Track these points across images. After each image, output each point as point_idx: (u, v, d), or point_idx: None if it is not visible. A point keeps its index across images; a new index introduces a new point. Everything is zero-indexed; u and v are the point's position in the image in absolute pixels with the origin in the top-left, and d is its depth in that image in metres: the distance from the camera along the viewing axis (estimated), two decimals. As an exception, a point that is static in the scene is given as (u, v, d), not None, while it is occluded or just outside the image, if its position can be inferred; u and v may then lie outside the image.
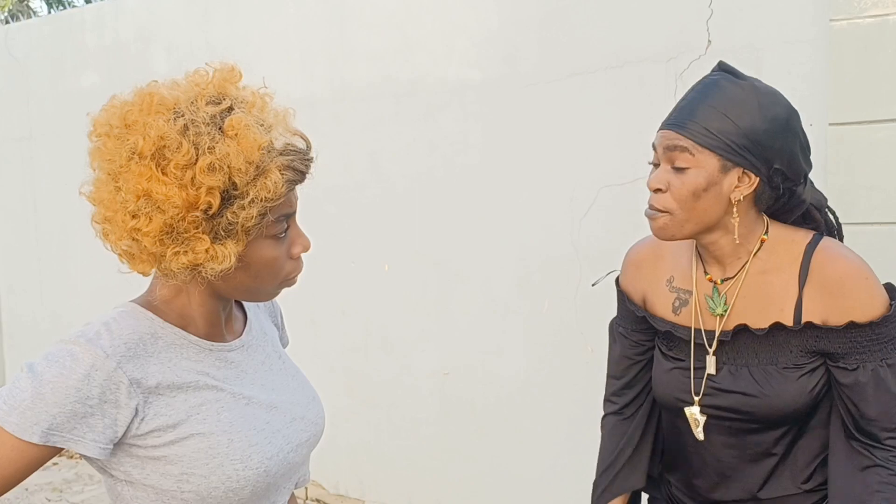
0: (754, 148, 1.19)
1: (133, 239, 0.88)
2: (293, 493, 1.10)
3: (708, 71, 2.14)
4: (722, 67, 1.25)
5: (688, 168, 1.19)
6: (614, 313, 1.68)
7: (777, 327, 1.24)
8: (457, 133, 2.64)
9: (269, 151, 0.89)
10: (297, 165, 0.93)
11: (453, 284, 2.72)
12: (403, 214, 2.81)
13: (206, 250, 0.88)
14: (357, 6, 2.83)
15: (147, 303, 0.97)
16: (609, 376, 1.52)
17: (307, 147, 0.96)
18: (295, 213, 0.98)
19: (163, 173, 0.85)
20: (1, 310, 4.40)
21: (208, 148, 0.86)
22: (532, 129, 2.50)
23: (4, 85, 4.13)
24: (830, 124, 1.97)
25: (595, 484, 1.48)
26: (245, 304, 1.11)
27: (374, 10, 2.80)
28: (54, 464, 3.65)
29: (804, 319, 1.22)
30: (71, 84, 3.79)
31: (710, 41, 2.18)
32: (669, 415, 1.41)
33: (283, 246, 0.96)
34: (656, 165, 1.26)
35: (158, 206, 0.86)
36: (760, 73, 2.09)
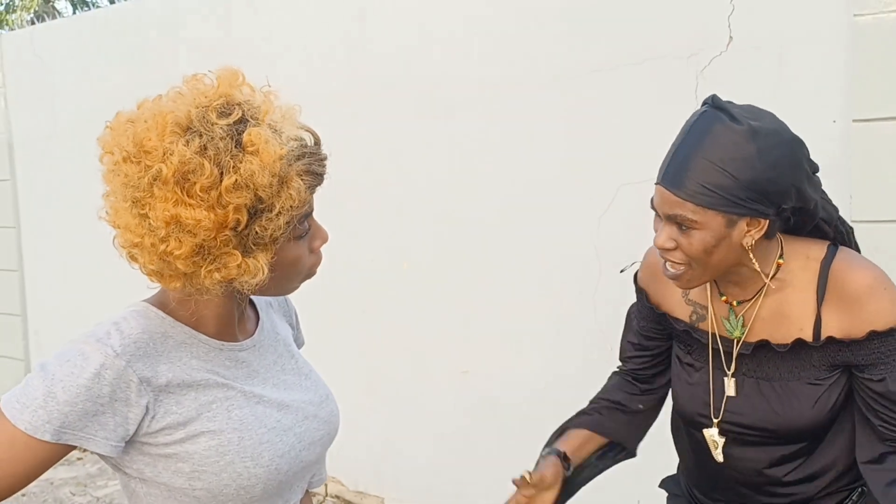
0: (759, 197, 1.14)
1: (164, 261, 0.88)
2: (308, 491, 1.10)
3: (729, 68, 2.13)
4: (715, 104, 1.17)
5: (693, 228, 1.15)
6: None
7: (799, 343, 1.22)
8: (477, 131, 2.64)
9: (286, 159, 0.89)
10: (315, 168, 0.93)
11: (473, 283, 2.72)
12: (423, 212, 2.81)
13: (238, 265, 0.88)
14: (378, 3, 2.83)
15: (159, 302, 0.98)
16: (619, 358, 1.54)
17: (316, 143, 0.95)
18: (313, 209, 0.99)
19: (188, 196, 0.84)
20: (27, 306, 4.47)
21: (232, 167, 0.85)
22: (552, 127, 2.49)
23: (30, 85, 4.20)
24: (854, 120, 1.95)
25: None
26: (257, 304, 1.11)
27: (394, 6, 2.80)
28: (78, 458, 3.71)
29: (824, 335, 1.20)
30: (96, 84, 3.83)
31: (731, 37, 2.15)
32: (688, 429, 1.39)
33: (305, 243, 0.97)
34: (658, 215, 1.21)
35: (189, 231, 0.85)
36: (783, 69, 2.06)
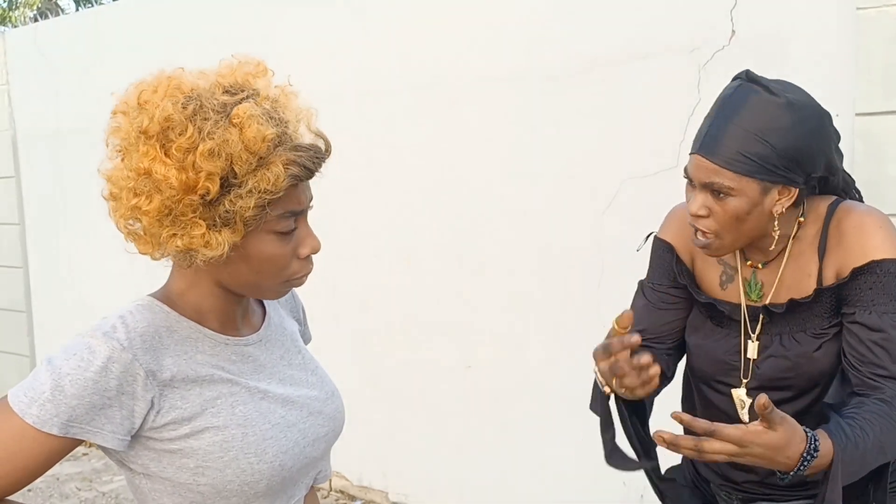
0: (793, 166, 1.19)
1: (135, 218, 0.89)
2: (313, 487, 1.11)
3: (732, 62, 2.12)
4: (749, 77, 1.23)
5: (729, 196, 1.20)
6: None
7: (798, 302, 1.26)
8: (479, 126, 2.64)
9: (276, 145, 0.89)
10: (305, 162, 0.92)
11: (476, 277, 2.72)
12: (426, 207, 2.81)
13: (202, 235, 0.88)
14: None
15: (164, 296, 0.98)
16: None
17: (325, 148, 0.96)
18: (305, 212, 0.97)
19: (165, 154, 0.87)
20: (32, 302, 4.49)
21: (208, 133, 0.86)
22: (554, 122, 2.49)
23: (34, 82, 4.21)
24: (857, 114, 1.95)
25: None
26: (263, 299, 1.11)
27: (395, 2, 2.80)
28: (84, 454, 3.73)
29: (825, 283, 1.25)
30: (99, 80, 3.84)
31: (734, 31, 2.15)
32: (704, 388, 1.41)
33: (288, 244, 0.96)
34: (690, 185, 1.26)
35: (157, 186, 0.87)
36: (786, 62, 2.06)
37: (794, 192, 1.21)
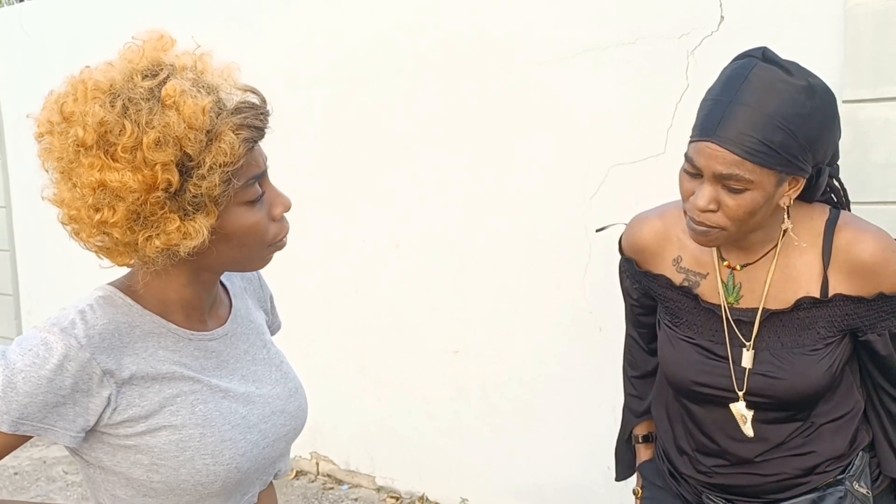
0: (808, 156, 1.11)
1: (103, 233, 0.86)
2: (271, 483, 1.08)
3: (720, 48, 2.11)
4: (766, 57, 1.13)
5: (746, 190, 1.10)
6: (625, 338, 1.64)
7: (804, 303, 1.20)
8: (468, 110, 2.63)
9: (217, 113, 0.86)
10: (252, 122, 0.88)
11: (465, 263, 2.72)
12: (415, 193, 2.80)
13: (178, 229, 0.85)
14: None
15: (127, 286, 0.95)
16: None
17: (262, 101, 0.92)
18: (265, 172, 0.95)
19: (112, 160, 0.82)
20: (19, 286, 4.46)
21: (147, 124, 0.82)
22: (543, 107, 2.47)
23: (20, 63, 4.15)
24: (844, 101, 1.94)
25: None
26: (231, 290, 1.08)
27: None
28: (72, 437, 3.71)
29: (831, 294, 1.20)
30: (87, 62, 3.78)
31: (722, 17, 2.13)
32: (688, 405, 1.35)
33: (261, 210, 0.93)
34: (692, 174, 1.15)
35: (117, 195, 0.83)
36: (774, 49, 2.04)
37: (802, 182, 1.14)
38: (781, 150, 1.07)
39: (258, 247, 0.95)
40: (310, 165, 2.94)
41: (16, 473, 3.39)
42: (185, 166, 0.85)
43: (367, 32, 2.82)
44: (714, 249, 1.29)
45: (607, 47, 2.33)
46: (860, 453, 1.30)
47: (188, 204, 0.86)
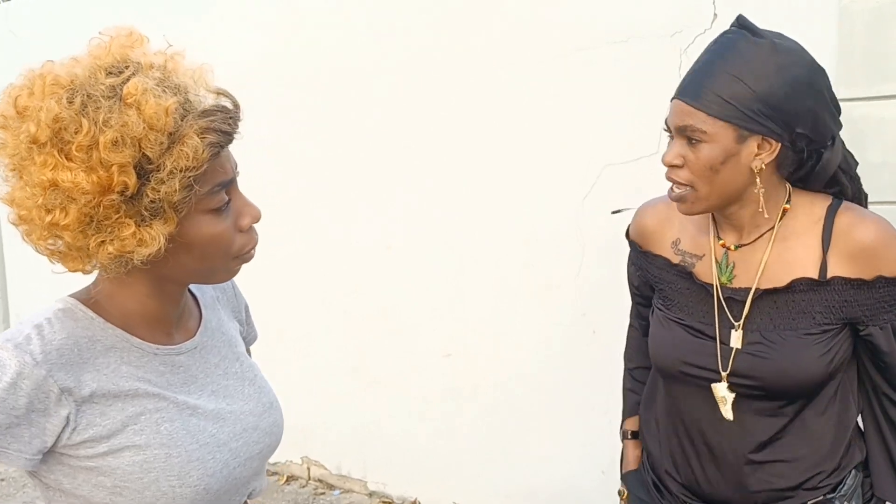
0: (773, 113, 1.11)
1: (55, 236, 0.81)
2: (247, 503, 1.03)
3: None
4: (741, 24, 1.16)
5: (702, 141, 1.13)
6: (617, 295, 1.64)
7: (801, 284, 1.18)
8: (461, 111, 2.60)
9: (183, 115, 0.81)
10: (220, 125, 0.83)
11: (458, 265, 2.69)
12: (407, 194, 2.77)
13: (133, 235, 0.80)
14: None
15: (88, 298, 0.90)
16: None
17: (234, 106, 0.87)
18: (234, 181, 0.89)
19: (66, 159, 0.78)
20: (7, 290, 4.41)
21: (104, 122, 0.78)
22: (535, 106, 2.45)
23: (5, 62, 4.10)
24: (839, 100, 1.92)
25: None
26: (201, 300, 1.03)
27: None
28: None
29: (830, 276, 1.18)
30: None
31: (715, 14, 2.11)
32: (672, 386, 1.34)
33: (226, 219, 0.88)
34: (670, 135, 1.21)
35: (69, 196, 0.78)
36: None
37: (776, 147, 1.13)
38: (735, 102, 1.10)
39: (222, 258, 0.90)
40: (304, 166, 2.91)
41: (2, 479, 3.35)
42: (144, 169, 0.80)
43: (359, 29, 2.79)
44: (711, 231, 1.28)
45: (599, 46, 2.30)
46: (853, 472, 1.26)
47: (145, 209, 0.81)
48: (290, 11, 2.94)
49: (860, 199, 1.29)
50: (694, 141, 1.14)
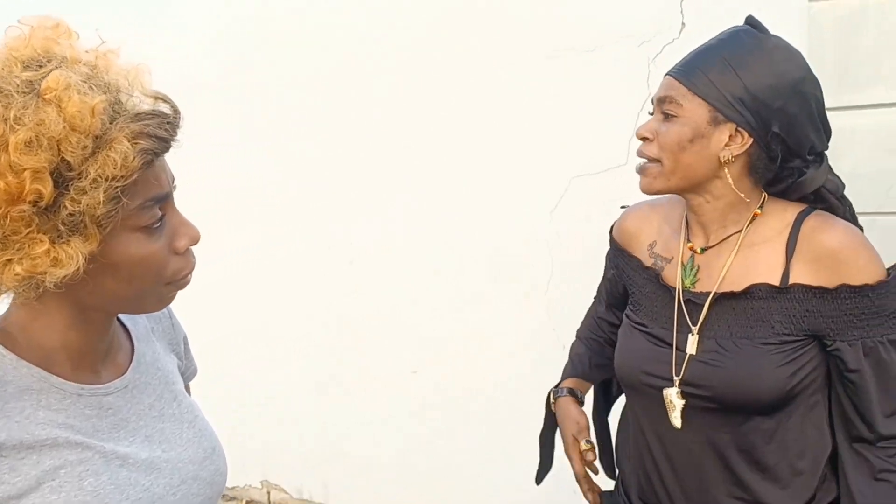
0: (751, 103, 1.10)
1: None
2: None
3: (682, 55, 2.06)
4: (749, 22, 1.18)
5: (675, 116, 1.13)
6: (587, 309, 1.61)
7: (759, 290, 1.14)
8: (425, 121, 2.54)
9: (112, 118, 0.71)
10: (156, 131, 0.73)
11: (424, 280, 2.63)
12: (370, 207, 2.69)
13: (47, 253, 0.69)
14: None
15: (2, 332, 0.78)
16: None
17: (173, 111, 0.77)
18: (170, 195, 0.79)
19: None
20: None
21: (17, 120, 0.67)
22: (499, 116, 2.40)
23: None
24: (809, 110, 1.90)
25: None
26: (133, 332, 0.91)
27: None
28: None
29: (791, 283, 1.13)
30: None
31: (684, 24, 2.10)
32: (632, 399, 1.32)
33: (159, 239, 0.78)
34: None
35: None
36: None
37: (747, 141, 1.12)
38: (719, 85, 1.10)
39: (153, 283, 0.79)
40: (271, 180, 2.82)
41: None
42: (63, 176, 0.69)
43: (328, 42, 2.71)
44: (682, 233, 1.25)
45: (566, 55, 2.27)
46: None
47: (62, 223, 0.70)
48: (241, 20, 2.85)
49: (848, 209, 1.24)
50: (669, 115, 1.14)
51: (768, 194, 1.21)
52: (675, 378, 1.19)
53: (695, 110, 1.12)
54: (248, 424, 2.93)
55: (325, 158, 2.76)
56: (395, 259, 2.67)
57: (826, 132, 1.19)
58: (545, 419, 1.52)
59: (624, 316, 1.35)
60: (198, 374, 1.07)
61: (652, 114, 1.21)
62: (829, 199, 1.20)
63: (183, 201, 0.83)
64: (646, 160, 1.18)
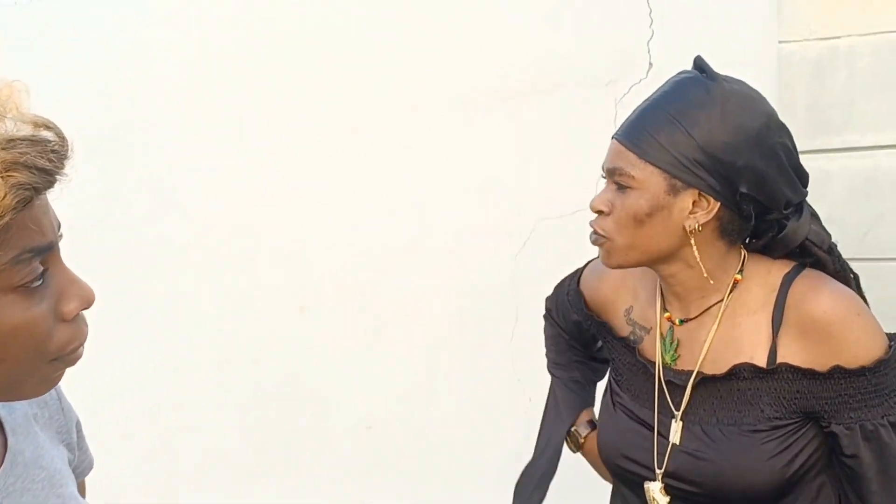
0: (710, 165, 0.98)
1: None
2: None
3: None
4: (697, 65, 1.06)
5: (630, 187, 1.02)
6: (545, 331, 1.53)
7: (743, 371, 1.02)
8: (381, 159, 2.45)
9: None
10: (35, 160, 0.58)
11: (378, 327, 2.51)
12: (322, 250, 2.57)
13: None
14: (268, 19, 2.56)
15: None
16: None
17: (59, 139, 0.62)
18: (54, 245, 0.65)
19: None
20: None
21: None
22: (461, 158, 2.34)
23: None
24: (782, 153, 1.86)
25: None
26: (6, 423, 0.74)
27: (285, 22, 2.55)
28: None
29: (778, 362, 1.01)
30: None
31: (651, 63, 2.08)
32: (617, 485, 1.21)
33: (41, 302, 0.62)
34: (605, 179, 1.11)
35: None
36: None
37: (714, 206, 1.00)
38: (671, 148, 0.99)
39: (33, 359, 0.63)
40: (196, 216, 2.66)
41: None
42: None
43: (266, 71, 2.61)
44: (658, 300, 1.13)
45: (530, 94, 2.22)
46: None
47: None
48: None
49: (847, 279, 1.12)
50: (622, 187, 1.04)
51: (748, 251, 1.11)
52: (658, 471, 1.07)
53: (649, 179, 1.01)
54: (177, 495, 2.73)
55: (269, 196, 2.63)
56: (350, 308, 2.56)
57: (802, 179, 1.09)
58: (543, 461, 1.37)
59: (608, 383, 1.23)
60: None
61: (605, 178, 1.11)
62: (817, 253, 1.10)
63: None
64: (596, 236, 1.10)
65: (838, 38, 1.77)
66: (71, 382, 0.77)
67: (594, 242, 1.10)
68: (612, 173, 1.05)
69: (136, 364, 2.67)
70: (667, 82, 1.09)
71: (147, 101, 2.66)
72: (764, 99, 1.06)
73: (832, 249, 1.12)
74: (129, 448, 2.68)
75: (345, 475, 2.59)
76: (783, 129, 1.05)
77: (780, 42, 1.84)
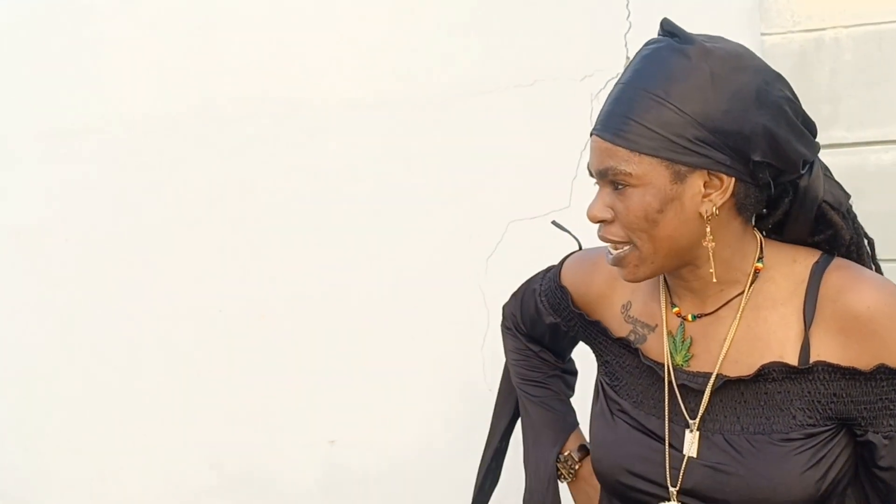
0: (715, 139, 0.88)
1: None
2: None
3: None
4: (665, 29, 0.93)
5: (629, 186, 0.90)
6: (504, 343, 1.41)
7: (773, 371, 0.92)
8: (343, 158, 2.40)
9: None
10: None
11: (340, 336, 2.44)
12: (282, 255, 2.50)
13: None
14: (225, 9, 2.50)
15: None
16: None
17: None
18: None
19: None
20: None
21: None
22: (430, 155, 2.29)
23: None
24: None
25: None
26: None
27: (249, 16, 2.47)
28: None
29: (812, 360, 0.91)
30: None
31: (628, 57, 2.03)
32: (608, 499, 1.09)
33: None
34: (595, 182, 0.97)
35: None
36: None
37: (728, 182, 0.89)
38: (663, 131, 0.88)
39: None
40: (161, 228, 2.58)
41: None
42: None
43: (230, 66, 2.51)
44: (662, 294, 1.03)
45: (503, 90, 2.18)
46: None
47: None
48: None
49: (860, 244, 1.02)
50: (620, 187, 0.91)
51: (763, 236, 1.00)
52: (672, 488, 0.95)
53: (648, 172, 0.89)
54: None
55: (228, 201, 2.56)
56: (312, 315, 2.49)
57: (811, 130, 0.96)
58: (537, 493, 1.26)
59: (599, 388, 1.10)
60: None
61: (596, 182, 0.97)
62: (833, 219, 0.98)
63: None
64: (617, 249, 0.95)
65: (822, 29, 1.73)
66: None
67: (614, 260, 0.96)
68: (603, 174, 0.93)
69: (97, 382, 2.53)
70: (637, 57, 0.95)
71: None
72: (750, 51, 0.94)
73: (849, 212, 1.00)
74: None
75: (308, 490, 2.52)
76: (780, 79, 0.93)
77: (762, 34, 1.79)
